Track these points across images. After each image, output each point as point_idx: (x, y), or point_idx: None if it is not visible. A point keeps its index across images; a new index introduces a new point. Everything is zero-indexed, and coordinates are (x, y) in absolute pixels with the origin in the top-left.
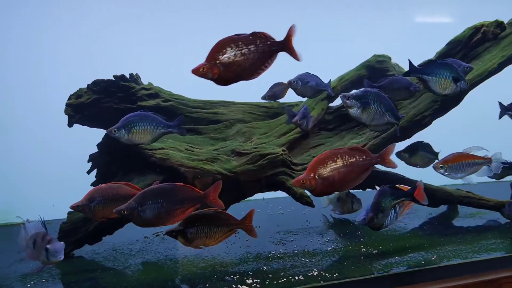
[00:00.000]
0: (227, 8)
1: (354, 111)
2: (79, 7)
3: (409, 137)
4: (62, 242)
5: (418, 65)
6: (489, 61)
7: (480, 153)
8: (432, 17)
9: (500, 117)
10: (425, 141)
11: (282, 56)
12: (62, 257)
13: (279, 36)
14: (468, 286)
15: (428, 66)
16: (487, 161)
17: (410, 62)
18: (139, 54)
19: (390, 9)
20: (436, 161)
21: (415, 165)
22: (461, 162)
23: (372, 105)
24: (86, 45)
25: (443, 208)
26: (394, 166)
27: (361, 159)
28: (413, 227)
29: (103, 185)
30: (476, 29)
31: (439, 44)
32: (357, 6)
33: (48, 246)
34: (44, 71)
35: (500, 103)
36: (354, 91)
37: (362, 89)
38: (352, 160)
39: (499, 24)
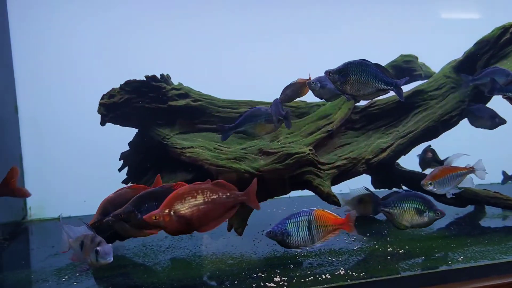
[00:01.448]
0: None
1: (337, 85)
2: (115, 9)
3: (436, 136)
4: (111, 244)
5: (503, 84)
6: None
7: (460, 161)
8: (459, 13)
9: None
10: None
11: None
12: (112, 259)
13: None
14: (495, 287)
15: None
16: (470, 170)
17: (493, 80)
18: (170, 55)
19: (415, 5)
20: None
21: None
22: (448, 176)
23: (353, 75)
24: (119, 46)
25: (470, 208)
26: (257, 207)
27: (224, 196)
28: (439, 227)
29: (111, 194)
30: (504, 29)
31: (467, 41)
32: (380, 3)
33: (98, 248)
34: (79, 70)
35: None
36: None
37: (345, 61)
38: (214, 196)
39: None
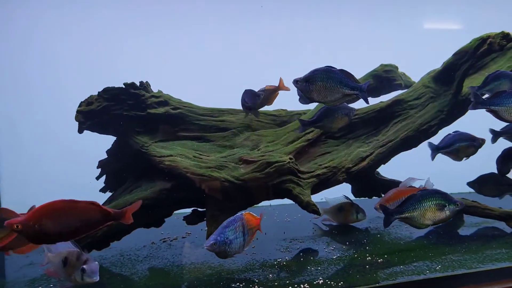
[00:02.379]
0: (234, 17)
1: (305, 93)
2: (93, 16)
3: (416, 146)
4: (97, 262)
5: (485, 97)
6: None
7: (415, 184)
8: (441, 23)
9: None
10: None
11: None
12: (98, 278)
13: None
14: None
15: (497, 97)
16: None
17: (475, 94)
18: (149, 62)
19: (398, 15)
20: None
21: None
22: (402, 199)
23: (320, 82)
24: (97, 53)
25: None
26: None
27: (95, 214)
28: (418, 236)
29: None
30: (482, 40)
31: (447, 52)
32: (364, 13)
33: (84, 266)
34: (58, 72)
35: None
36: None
37: (312, 69)
38: (84, 217)
39: (505, 36)
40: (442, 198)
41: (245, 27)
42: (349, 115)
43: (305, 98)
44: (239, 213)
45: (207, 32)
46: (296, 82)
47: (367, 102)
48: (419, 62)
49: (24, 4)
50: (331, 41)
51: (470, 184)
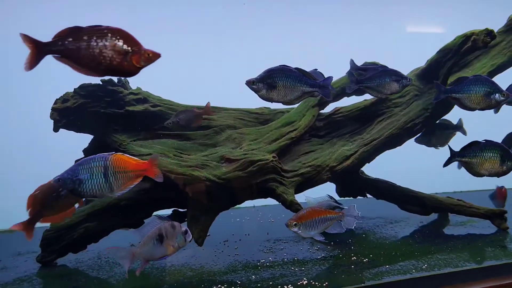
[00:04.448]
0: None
1: (263, 93)
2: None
3: (401, 144)
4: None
5: (448, 85)
6: (479, 69)
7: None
8: (423, 27)
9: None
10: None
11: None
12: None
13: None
14: None
15: (458, 85)
16: (340, 216)
17: (438, 85)
18: None
19: (382, 19)
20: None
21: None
22: (315, 219)
23: (279, 81)
24: None
25: (434, 216)
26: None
27: None
28: (403, 235)
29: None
30: (466, 37)
31: (431, 54)
32: (348, 15)
33: (185, 228)
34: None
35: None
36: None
37: (265, 69)
38: None
39: (489, 33)
40: (504, 152)
41: (228, 26)
42: (401, 81)
43: None
44: (106, 153)
45: (188, 30)
46: (251, 83)
47: (329, 98)
48: (402, 65)
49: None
50: (311, 43)
51: (418, 139)
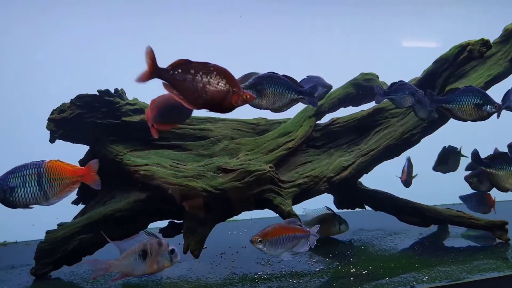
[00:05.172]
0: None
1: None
2: (69, 21)
3: (398, 155)
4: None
5: (440, 95)
6: (476, 80)
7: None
8: (418, 42)
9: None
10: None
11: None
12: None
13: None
14: None
15: (450, 95)
16: (305, 234)
17: (430, 93)
18: (127, 71)
19: (378, 33)
20: None
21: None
22: (282, 236)
23: (269, 88)
24: (73, 60)
25: (433, 228)
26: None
27: None
28: (403, 247)
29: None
30: (462, 47)
31: (425, 67)
32: (346, 29)
33: (172, 247)
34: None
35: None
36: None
37: (255, 76)
38: None
39: (485, 43)
40: None
41: (226, 36)
42: (415, 94)
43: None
44: (40, 160)
45: (185, 41)
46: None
47: (315, 105)
48: (399, 75)
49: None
50: (307, 55)
51: (435, 169)
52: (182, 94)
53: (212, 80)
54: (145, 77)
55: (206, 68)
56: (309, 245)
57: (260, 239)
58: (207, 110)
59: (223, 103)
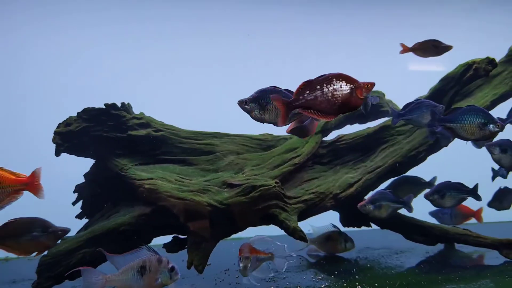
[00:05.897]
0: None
1: (255, 114)
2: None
3: (405, 172)
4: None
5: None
6: (482, 98)
7: (263, 244)
8: (424, 65)
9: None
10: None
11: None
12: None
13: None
14: None
15: (452, 114)
16: (270, 257)
17: (433, 112)
18: (134, 85)
19: (385, 56)
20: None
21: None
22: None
23: (272, 103)
24: (82, 74)
25: (440, 246)
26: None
27: None
28: (409, 266)
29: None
30: (468, 65)
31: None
32: (352, 52)
33: (172, 265)
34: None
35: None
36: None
37: (258, 90)
38: None
39: (490, 61)
40: None
41: (231, 51)
42: (434, 111)
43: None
44: None
45: (193, 56)
46: (244, 103)
47: (317, 120)
48: (405, 100)
49: None
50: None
51: (490, 205)
52: (318, 110)
53: (336, 86)
54: (284, 118)
55: (325, 78)
56: (271, 270)
57: None
58: (342, 113)
59: (352, 101)
